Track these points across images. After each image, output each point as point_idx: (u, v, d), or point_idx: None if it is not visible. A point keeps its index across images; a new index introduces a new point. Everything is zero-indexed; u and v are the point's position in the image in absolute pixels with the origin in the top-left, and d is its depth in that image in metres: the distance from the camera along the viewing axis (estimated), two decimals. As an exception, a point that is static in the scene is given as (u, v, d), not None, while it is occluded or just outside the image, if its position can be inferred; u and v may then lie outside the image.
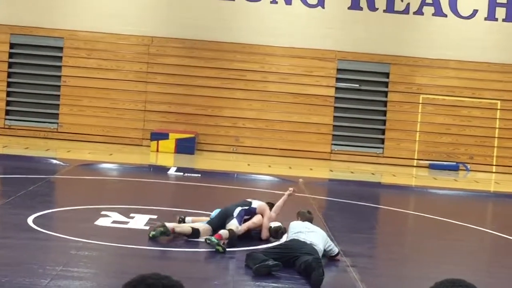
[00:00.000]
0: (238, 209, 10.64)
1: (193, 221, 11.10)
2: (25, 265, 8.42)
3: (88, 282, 8.15)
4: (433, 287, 2.15)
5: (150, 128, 23.28)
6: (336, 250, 9.84)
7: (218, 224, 10.49)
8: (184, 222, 11.16)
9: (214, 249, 9.73)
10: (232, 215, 10.50)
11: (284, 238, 10.53)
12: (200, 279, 8.51)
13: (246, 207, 10.73)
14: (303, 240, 9.40)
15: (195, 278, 8.50)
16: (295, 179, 17.94)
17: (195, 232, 10.39)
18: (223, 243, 9.83)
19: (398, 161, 23.64)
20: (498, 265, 11.06)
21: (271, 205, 11.13)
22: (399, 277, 9.48)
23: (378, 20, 23.79)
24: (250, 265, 8.95)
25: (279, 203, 11.02)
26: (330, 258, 9.73)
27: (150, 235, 10.13)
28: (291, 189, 11.16)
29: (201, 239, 10.33)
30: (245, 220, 10.65)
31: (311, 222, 10.18)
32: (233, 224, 10.29)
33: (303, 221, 10.10)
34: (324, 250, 9.59)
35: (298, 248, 9.20)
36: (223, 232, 9.98)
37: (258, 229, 10.81)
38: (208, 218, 11.03)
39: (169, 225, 10.37)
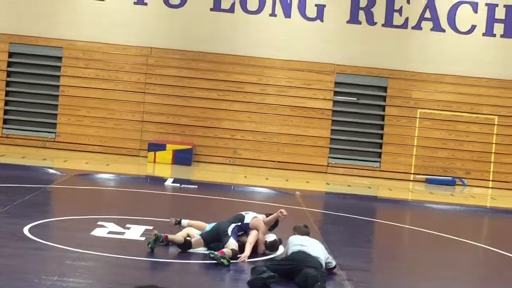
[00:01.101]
0: (232, 226, 10.59)
1: (188, 225, 11.12)
2: (21, 275, 8.40)
3: (83, 293, 8.14)
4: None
5: (148, 138, 23.29)
6: (334, 263, 9.84)
7: (210, 238, 10.47)
8: (180, 224, 11.17)
9: (217, 262, 9.70)
10: (227, 233, 10.45)
11: (280, 251, 10.52)
12: (195, 291, 8.50)
13: (239, 223, 10.69)
14: (308, 252, 9.39)
15: (191, 289, 8.49)
16: (292, 192, 17.97)
17: (187, 243, 10.37)
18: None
19: (394, 175, 23.67)
20: (494, 280, 11.05)
21: (268, 215, 11.09)
22: (394, 291, 9.48)
23: (377, 34, 23.87)
24: (251, 278, 8.93)
25: (269, 219, 10.95)
26: (327, 270, 9.72)
27: (149, 247, 10.12)
28: (282, 210, 10.99)
29: (199, 251, 10.32)
30: (239, 236, 10.61)
31: (309, 236, 10.17)
32: (232, 243, 10.26)
33: (301, 235, 10.07)
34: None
35: (303, 260, 9.18)
36: (226, 251, 9.96)
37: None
38: (204, 223, 11.02)
39: (163, 234, 10.35)
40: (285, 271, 9.05)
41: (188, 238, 10.56)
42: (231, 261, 9.81)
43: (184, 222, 11.26)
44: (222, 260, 9.72)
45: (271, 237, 10.81)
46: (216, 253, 9.85)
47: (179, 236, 10.51)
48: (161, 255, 10.14)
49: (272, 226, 11.02)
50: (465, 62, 23.89)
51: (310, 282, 8.58)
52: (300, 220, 12.24)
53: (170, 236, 10.37)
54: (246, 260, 10.10)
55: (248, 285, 8.71)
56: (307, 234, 10.17)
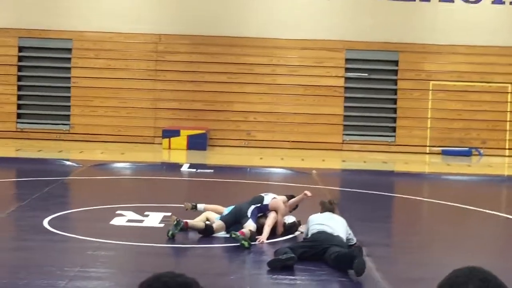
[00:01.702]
0: (252, 207, 10.62)
1: (205, 209, 11.13)
2: (43, 267, 8.47)
3: (106, 282, 8.20)
4: (452, 273, 2.16)
5: (161, 125, 23.32)
6: (354, 239, 9.87)
7: (231, 221, 10.50)
8: (196, 208, 11.19)
9: (238, 244, 9.74)
10: (247, 215, 10.48)
11: (297, 233, 10.55)
12: (216, 275, 8.54)
13: (259, 205, 10.71)
14: (330, 232, 9.41)
15: (211, 274, 8.53)
16: (308, 171, 17.97)
17: (209, 229, 10.41)
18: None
19: (410, 149, 23.60)
20: (514, 249, 11.03)
21: (290, 197, 11.11)
22: (415, 264, 9.48)
23: (385, 8, 23.73)
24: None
25: (293, 201, 11.01)
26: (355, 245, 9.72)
27: (169, 235, 10.13)
28: (307, 192, 11.06)
29: (219, 235, 10.36)
30: (258, 218, 10.63)
31: (333, 212, 10.18)
32: (251, 225, 10.29)
33: (323, 211, 10.09)
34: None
35: (327, 240, 9.21)
36: (246, 231, 10.00)
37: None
38: (220, 207, 11.05)
39: (184, 220, 10.39)
40: (309, 252, 9.07)
41: (208, 222, 10.58)
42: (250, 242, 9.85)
43: (200, 206, 11.26)
44: (243, 242, 9.75)
45: (290, 219, 10.83)
46: (237, 233, 9.87)
47: (200, 222, 10.53)
48: (181, 241, 10.18)
49: (293, 208, 11.05)
50: (475, 31, 23.72)
51: (345, 260, 8.56)
52: (318, 199, 12.25)
53: (191, 222, 10.39)
54: (264, 241, 10.13)
55: (268, 266, 8.75)
56: (332, 210, 10.18)
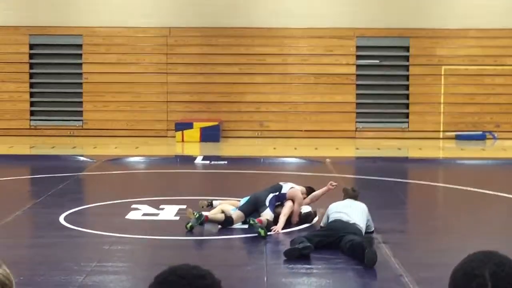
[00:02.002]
0: (270, 196, 10.62)
1: (220, 204, 11.15)
2: (60, 263, 8.51)
3: (123, 276, 8.23)
4: (467, 258, 2.14)
5: (174, 118, 23.36)
6: (373, 227, 9.87)
7: (249, 210, 10.50)
8: (212, 206, 11.22)
9: (255, 234, 9.75)
10: (265, 203, 10.49)
11: (314, 220, 10.55)
12: (233, 266, 8.55)
13: (277, 193, 10.72)
14: (346, 220, 9.41)
15: (228, 265, 8.54)
16: (322, 160, 17.96)
17: (229, 220, 10.42)
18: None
19: (424, 135, 23.53)
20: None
21: (310, 190, 11.09)
22: (431, 250, 9.46)
23: (395, -6, 23.62)
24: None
25: (317, 193, 11.00)
26: (365, 234, 9.71)
27: (188, 227, 10.14)
28: (334, 184, 11.06)
29: (235, 226, 10.38)
30: (276, 207, 10.63)
31: (355, 199, 10.17)
32: (268, 214, 10.30)
33: (345, 198, 10.09)
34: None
35: (342, 228, 9.22)
36: (263, 220, 10.01)
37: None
38: (236, 200, 11.07)
39: (203, 213, 10.42)
40: (325, 241, 9.07)
41: (228, 215, 10.59)
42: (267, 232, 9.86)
43: (216, 203, 11.29)
44: (260, 230, 9.76)
45: (306, 209, 10.83)
46: (255, 220, 9.88)
47: (219, 214, 10.54)
48: (197, 233, 10.20)
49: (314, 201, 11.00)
50: (487, 14, 23.58)
51: (358, 250, 8.57)
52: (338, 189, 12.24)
53: (211, 216, 10.40)
54: (280, 231, 10.14)
55: (284, 256, 8.75)
56: (355, 197, 10.17)
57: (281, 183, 11.03)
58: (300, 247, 8.73)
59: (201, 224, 10.25)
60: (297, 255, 8.70)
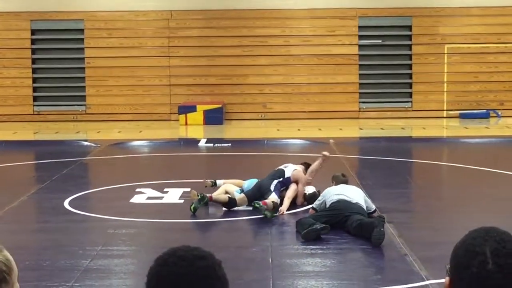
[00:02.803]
0: (274, 182, 10.62)
1: (224, 184, 11.17)
2: (65, 247, 8.53)
3: (129, 259, 8.25)
4: (468, 235, 2.14)
5: (177, 102, 23.35)
6: (373, 207, 9.86)
7: (254, 196, 10.50)
8: (215, 185, 11.23)
9: (261, 215, 9.78)
10: (270, 189, 10.48)
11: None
12: (238, 247, 8.57)
13: (281, 179, 10.72)
14: (349, 200, 9.41)
15: (234, 246, 8.56)
16: (326, 140, 17.96)
17: (232, 202, 10.44)
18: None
19: (427, 114, 23.50)
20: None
21: (307, 165, 11.12)
22: (436, 229, 9.46)
23: (396, -27, 23.52)
24: (299, 231, 8.96)
25: (314, 167, 10.99)
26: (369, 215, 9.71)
27: (192, 209, 10.16)
28: (325, 153, 11.10)
29: (240, 208, 10.40)
30: (281, 192, 10.64)
31: (347, 184, 10.16)
32: (274, 198, 10.31)
33: (337, 184, 10.07)
34: None
35: (347, 208, 9.22)
36: (269, 202, 10.01)
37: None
38: (240, 180, 11.07)
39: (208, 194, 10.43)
40: (331, 221, 9.07)
41: (228, 195, 10.62)
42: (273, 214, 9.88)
43: (220, 182, 11.31)
44: (265, 212, 9.78)
45: (310, 189, 10.85)
46: (260, 203, 9.89)
47: (223, 195, 10.56)
48: (202, 216, 10.22)
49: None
50: (489, -8, 23.48)
51: (366, 228, 8.57)
52: (337, 168, 12.25)
53: (215, 196, 10.44)
54: (285, 212, 10.16)
55: (303, 238, 8.72)
56: (345, 182, 10.16)
57: (281, 167, 11.01)
58: (318, 228, 8.73)
59: (206, 204, 10.27)
60: (315, 237, 8.71)
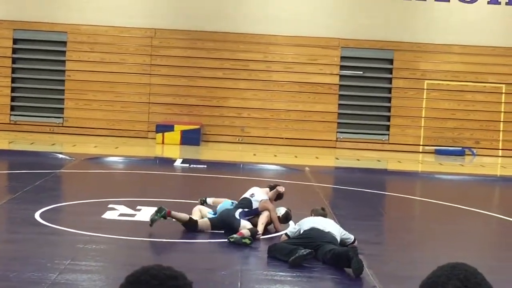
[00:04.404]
0: (239, 210, 10.58)
1: (213, 203, 11.18)
2: (33, 260, 8.45)
3: (96, 275, 8.18)
4: (434, 271, 2.15)
5: (155, 120, 23.30)
6: (352, 237, 9.83)
7: (218, 224, 10.45)
8: (206, 203, 11.23)
9: (240, 244, 9.69)
10: (235, 217, 10.41)
11: (292, 224, 10.50)
12: (207, 270, 8.54)
13: (247, 210, 10.67)
14: (322, 228, 9.41)
15: (203, 268, 8.53)
16: (301, 168, 17.98)
17: (192, 223, 10.34)
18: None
19: (403, 148, 23.63)
20: (505, 249, 11.06)
21: (271, 187, 11.18)
22: (406, 262, 9.49)
23: (381, 7, 23.74)
24: (277, 256, 8.94)
25: (272, 194, 11.06)
26: (348, 246, 9.70)
27: (149, 220, 10.11)
28: (280, 188, 11.20)
29: (214, 231, 10.34)
30: (250, 219, 10.60)
31: (325, 218, 10.16)
32: (247, 225, 10.25)
33: (315, 216, 10.07)
34: (341, 240, 9.59)
35: (319, 237, 9.21)
36: (244, 231, 9.96)
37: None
38: (227, 200, 11.03)
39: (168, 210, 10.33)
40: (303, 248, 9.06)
41: (194, 217, 10.53)
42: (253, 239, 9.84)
43: (209, 200, 11.36)
44: (243, 240, 9.71)
45: (281, 210, 10.85)
46: (235, 235, 9.82)
47: (183, 214, 10.46)
48: (174, 236, 10.17)
49: (280, 197, 11.10)
50: (471, 31, 23.75)
51: (343, 258, 8.56)
52: (311, 196, 12.28)
53: (173, 212, 10.30)
54: (260, 236, 10.12)
55: (291, 265, 8.68)
56: (324, 216, 10.15)
57: (247, 196, 10.94)
58: (305, 254, 8.72)
59: (164, 218, 10.14)
60: (301, 262, 8.69)
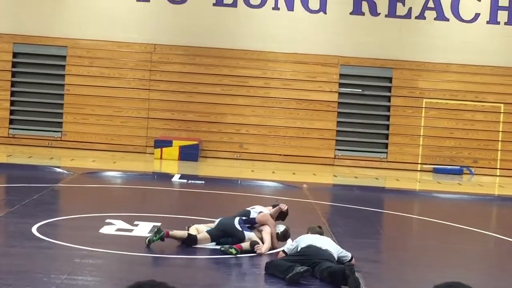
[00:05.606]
0: (237, 219, 10.57)
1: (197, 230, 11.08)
2: (30, 274, 8.43)
3: (93, 290, 8.15)
4: (430, 291, 2.15)
5: (154, 135, 23.30)
6: (349, 254, 9.80)
7: (216, 235, 10.45)
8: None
9: (227, 255, 9.73)
10: (235, 227, 10.41)
11: (289, 241, 10.47)
12: (205, 286, 8.51)
13: (244, 218, 10.67)
14: (319, 246, 9.40)
15: (200, 285, 8.51)
16: (299, 185, 17.97)
17: (192, 238, 10.33)
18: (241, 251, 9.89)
19: (401, 166, 23.63)
20: (502, 268, 11.05)
21: (274, 206, 11.12)
22: (403, 281, 9.47)
23: (380, 25, 23.81)
24: (275, 273, 8.93)
25: (274, 211, 11.01)
26: (345, 264, 9.67)
27: (146, 241, 10.11)
28: (282, 206, 11.15)
29: (212, 246, 10.33)
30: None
31: (322, 235, 10.15)
32: (251, 235, 10.26)
33: (312, 234, 10.06)
34: (338, 257, 9.57)
35: (317, 254, 9.20)
36: (244, 245, 9.96)
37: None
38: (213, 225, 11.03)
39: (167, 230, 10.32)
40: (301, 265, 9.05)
41: (193, 233, 10.52)
42: (251, 251, 9.82)
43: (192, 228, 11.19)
44: (230, 250, 9.76)
45: (280, 227, 10.82)
46: (226, 246, 9.86)
47: (181, 231, 10.44)
48: (172, 252, 10.15)
49: (282, 217, 11.04)
50: (470, 50, 23.82)
51: (339, 276, 8.55)
52: (309, 213, 12.26)
53: (172, 232, 10.30)
54: (264, 252, 10.08)
55: (288, 282, 8.66)
56: (321, 234, 10.13)
57: (248, 208, 10.96)
58: (302, 271, 8.70)
59: (162, 239, 10.13)
60: (298, 279, 8.67)
